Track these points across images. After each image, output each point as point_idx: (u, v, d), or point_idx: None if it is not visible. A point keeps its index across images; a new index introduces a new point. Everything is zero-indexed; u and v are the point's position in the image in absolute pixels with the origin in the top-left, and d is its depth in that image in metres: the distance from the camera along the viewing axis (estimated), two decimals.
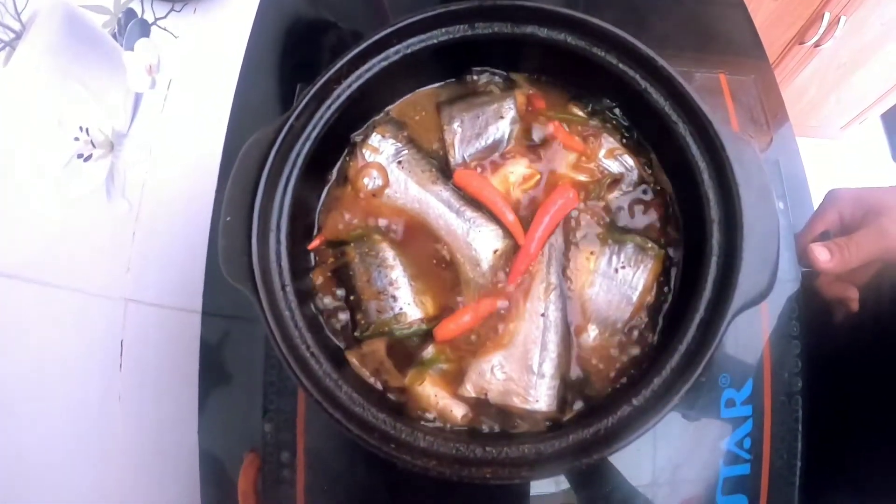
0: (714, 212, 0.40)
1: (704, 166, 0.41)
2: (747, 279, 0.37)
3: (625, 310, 0.44)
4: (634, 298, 0.44)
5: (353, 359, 0.45)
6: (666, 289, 0.45)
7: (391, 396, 0.44)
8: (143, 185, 0.60)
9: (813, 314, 0.54)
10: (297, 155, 0.45)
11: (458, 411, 0.43)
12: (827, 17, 1.28)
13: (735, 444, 0.51)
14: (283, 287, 0.42)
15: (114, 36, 0.55)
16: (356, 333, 0.45)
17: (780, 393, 0.52)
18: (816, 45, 1.35)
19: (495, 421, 0.43)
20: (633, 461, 0.51)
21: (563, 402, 0.43)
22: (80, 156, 0.50)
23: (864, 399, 0.54)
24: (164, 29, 0.63)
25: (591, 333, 0.44)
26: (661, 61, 0.42)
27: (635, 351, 0.44)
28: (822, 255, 0.50)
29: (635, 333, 0.44)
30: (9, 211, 0.45)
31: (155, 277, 0.63)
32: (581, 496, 0.52)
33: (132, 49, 0.57)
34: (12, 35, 0.44)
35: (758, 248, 0.37)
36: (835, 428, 0.54)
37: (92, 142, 0.52)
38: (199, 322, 0.66)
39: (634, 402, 0.37)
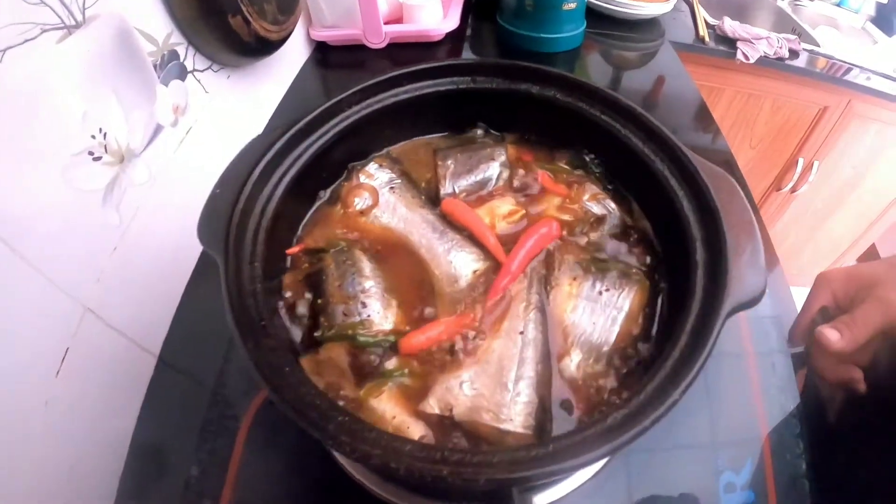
0: (696, 230, 0.37)
1: (683, 194, 0.39)
2: (737, 281, 0.32)
3: (610, 331, 0.38)
4: (620, 319, 0.38)
5: (306, 365, 0.38)
6: (652, 321, 0.40)
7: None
8: (137, 209, 0.58)
9: (811, 395, 0.47)
10: (300, 154, 0.44)
11: (416, 431, 0.35)
12: (801, 162, 1.31)
13: None
14: (252, 262, 0.38)
15: (155, 66, 0.57)
16: (317, 334, 0.39)
17: (784, 475, 0.42)
18: (793, 190, 1.36)
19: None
20: None
21: (540, 430, 0.34)
22: (90, 153, 0.49)
23: (872, 476, 0.44)
24: (199, 82, 0.66)
25: (574, 359, 0.37)
26: (640, 109, 0.44)
27: (621, 380, 0.37)
28: (832, 336, 0.45)
29: (620, 361, 0.37)
30: (19, 165, 0.43)
31: (121, 302, 0.57)
32: None
33: (167, 85, 0.60)
34: (73, 23, 0.46)
35: (743, 253, 0.34)
36: None
37: (105, 147, 0.51)
38: (152, 365, 0.58)
39: (626, 409, 0.29)
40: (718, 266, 0.34)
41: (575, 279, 0.41)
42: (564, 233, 0.44)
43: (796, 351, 0.51)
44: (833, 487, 0.46)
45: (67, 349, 0.49)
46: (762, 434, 0.46)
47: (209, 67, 0.69)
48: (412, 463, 0.28)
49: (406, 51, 1.07)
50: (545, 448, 0.28)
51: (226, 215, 0.39)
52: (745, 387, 0.51)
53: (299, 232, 0.46)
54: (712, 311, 0.31)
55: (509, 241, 0.44)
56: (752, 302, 0.32)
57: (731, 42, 1.20)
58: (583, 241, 0.44)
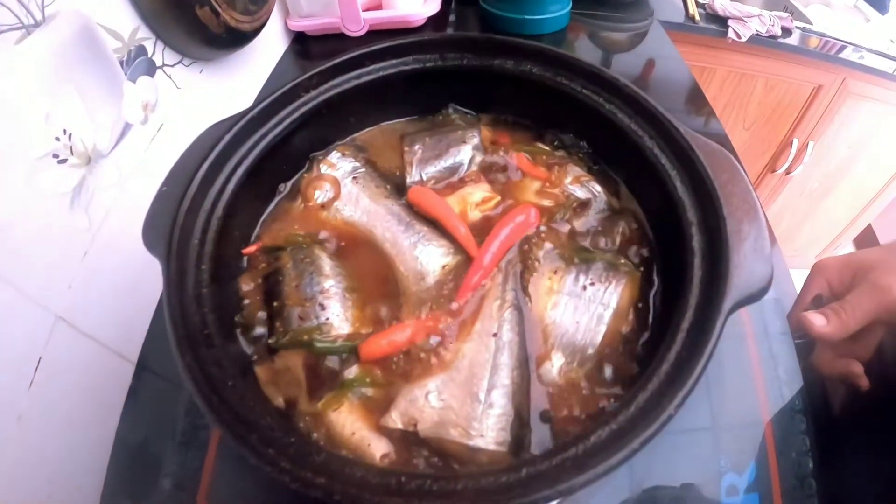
0: (692, 214, 0.32)
1: (675, 174, 0.34)
2: (740, 271, 0.27)
3: (596, 331, 0.33)
4: (607, 317, 0.33)
5: (261, 376, 0.33)
6: (645, 317, 0.34)
7: (299, 424, 0.31)
8: (107, 211, 0.54)
9: (814, 386, 0.42)
10: (254, 145, 0.39)
11: (378, 449, 0.30)
12: (795, 143, 1.26)
13: None
14: (200, 265, 0.33)
15: (121, 63, 0.53)
16: (270, 340, 0.34)
17: (790, 476, 0.38)
18: (787, 172, 1.30)
19: (425, 467, 0.30)
20: None
21: (517, 445, 0.29)
22: (55, 156, 0.45)
23: (878, 471, 0.40)
24: (169, 77, 0.62)
25: (556, 363, 0.33)
26: (624, 80, 0.38)
27: (610, 387, 0.32)
28: (817, 320, 0.41)
29: (610, 366, 0.32)
30: None
31: (95, 309, 0.53)
32: None
33: (134, 81, 0.55)
34: (31, 22, 0.43)
35: (745, 238, 0.29)
36: None
37: (71, 148, 0.47)
38: (130, 372, 0.54)
39: (614, 424, 0.24)
40: (718, 254, 0.29)
41: (556, 272, 0.36)
42: (544, 220, 0.39)
43: (799, 341, 0.46)
44: (837, 482, 0.42)
45: (40, 359, 0.45)
46: (766, 431, 0.41)
47: (180, 62, 0.64)
48: (360, 493, 0.23)
49: (386, 38, 1.01)
50: (517, 474, 0.23)
51: (170, 215, 0.34)
52: (748, 377, 0.46)
53: (258, 229, 0.41)
54: (712, 306, 0.26)
55: (483, 232, 0.39)
56: (757, 295, 0.27)
57: (722, 21, 1.13)
58: (565, 228, 0.39)
